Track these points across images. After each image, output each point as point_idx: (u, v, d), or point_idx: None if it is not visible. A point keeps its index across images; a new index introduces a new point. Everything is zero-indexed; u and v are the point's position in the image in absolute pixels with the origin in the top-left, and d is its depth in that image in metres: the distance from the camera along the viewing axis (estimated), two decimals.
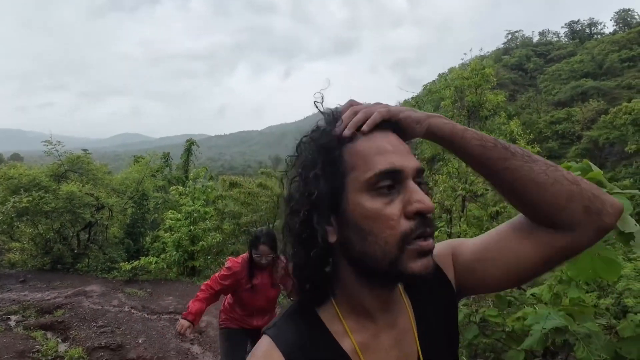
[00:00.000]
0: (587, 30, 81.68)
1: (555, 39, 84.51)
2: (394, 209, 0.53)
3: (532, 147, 9.12)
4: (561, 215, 0.59)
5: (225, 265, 2.62)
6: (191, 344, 4.73)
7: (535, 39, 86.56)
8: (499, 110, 9.49)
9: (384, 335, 0.61)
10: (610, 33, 72.61)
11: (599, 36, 75.61)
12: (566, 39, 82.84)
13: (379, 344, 0.60)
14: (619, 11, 75.56)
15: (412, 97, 9.69)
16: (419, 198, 0.53)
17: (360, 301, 0.60)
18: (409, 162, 0.55)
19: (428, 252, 0.55)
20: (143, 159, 13.49)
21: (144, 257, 8.34)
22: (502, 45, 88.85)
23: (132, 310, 5.92)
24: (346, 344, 0.59)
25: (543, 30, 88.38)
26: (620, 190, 1.46)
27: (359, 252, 0.55)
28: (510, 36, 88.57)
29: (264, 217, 9.49)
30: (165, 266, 8.93)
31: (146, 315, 5.58)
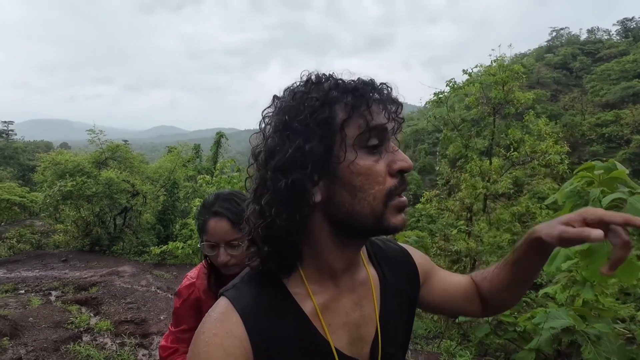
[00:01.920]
0: None
1: (606, 37, 78.95)
2: (381, 166, 0.56)
3: (562, 147, 8.63)
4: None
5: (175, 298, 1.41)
6: None
7: (583, 36, 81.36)
8: (529, 109, 9.06)
9: (345, 298, 0.63)
10: None
11: None
12: (618, 37, 77.19)
13: (340, 306, 0.63)
14: None
15: (435, 93, 9.45)
16: (402, 157, 0.57)
17: (329, 263, 0.61)
18: (391, 124, 0.57)
19: (405, 207, 0.59)
20: (175, 149, 14.14)
21: (172, 243, 8.78)
22: (546, 43, 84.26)
23: (158, 291, 6.30)
24: (307, 306, 0.60)
25: (592, 28, 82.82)
26: None
27: (347, 210, 0.56)
28: (554, 33, 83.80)
29: None
30: (191, 252, 9.34)
31: (170, 296, 5.92)
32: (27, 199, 14.59)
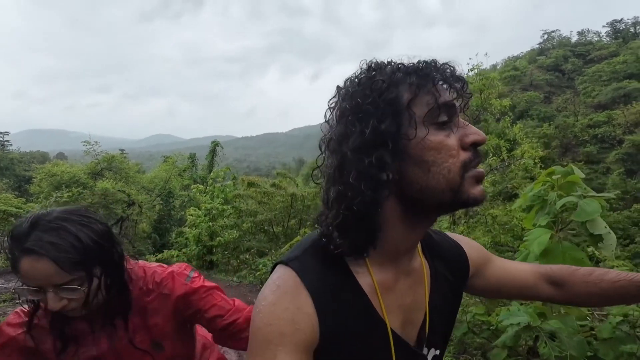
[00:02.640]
0: (632, 29, 76.74)
1: (596, 39, 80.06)
2: (453, 140, 0.57)
3: (536, 151, 8.90)
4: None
5: None
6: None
7: (574, 39, 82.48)
8: (504, 115, 9.38)
9: (401, 282, 0.65)
10: None
11: None
12: (608, 39, 78.29)
13: (397, 288, 0.64)
14: None
15: None
16: (475, 130, 0.58)
17: (394, 244, 0.61)
18: (458, 101, 0.59)
19: (483, 178, 0.60)
20: (171, 159, 14.32)
21: (167, 251, 8.94)
22: (538, 46, 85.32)
23: None
24: (367, 285, 0.60)
25: (582, 30, 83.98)
26: (594, 194, 1.61)
27: (421, 187, 0.57)
28: (546, 36, 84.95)
29: (279, 215, 9.88)
30: (186, 259, 9.50)
31: None
32: (24, 210, 14.68)
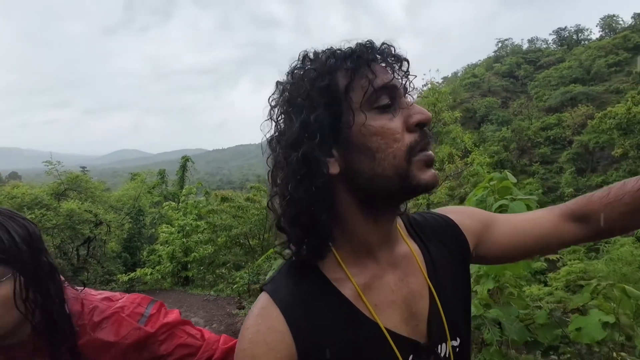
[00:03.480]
0: (574, 36, 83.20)
1: (544, 46, 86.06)
2: (397, 123, 0.54)
3: (484, 158, 9.78)
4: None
5: None
6: None
7: (525, 46, 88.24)
8: (454, 126, 10.27)
9: (389, 275, 0.60)
10: (596, 39, 74.02)
11: (586, 42, 76.92)
12: (554, 46, 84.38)
13: (383, 283, 0.59)
14: (604, 17, 77.12)
15: None
16: (418, 110, 0.55)
17: (364, 238, 0.58)
18: (399, 81, 0.56)
19: (432, 161, 0.56)
20: (139, 176, 14.06)
21: (140, 269, 8.85)
22: (493, 54, 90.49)
23: None
24: (347, 289, 0.57)
25: (532, 38, 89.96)
26: (522, 197, 1.86)
27: (368, 175, 0.54)
28: (500, 44, 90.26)
29: (254, 228, 10.03)
30: (160, 277, 9.43)
31: None
32: None
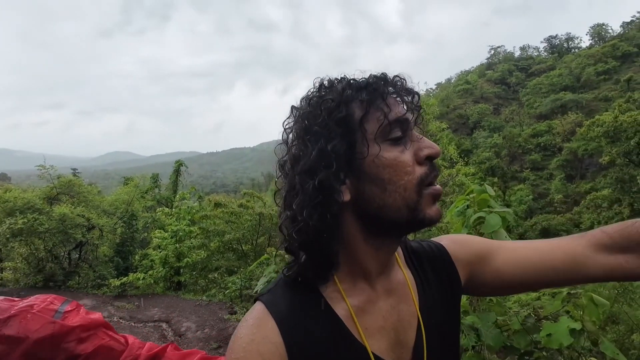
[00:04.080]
0: (565, 44, 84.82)
1: (536, 54, 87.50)
2: (408, 156, 0.56)
3: (468, 169, 10.07)
4: None
5: None
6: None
7: (517, 53, 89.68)
8: (441, 137, 10.55)
9: (382, 301, 0.62)
10: (586, 47, 75.52)
11: (576, 50, 78.48)
12: (546, 54, 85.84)
13: (376, 309, 0.61)
14: (594, 26, 78.71)
15: None
16: (428, 144, 0.57)
17: (363, 264, 0.60)
18: (411, 114, 0.58)
19: (439, 195, 0.58)
20: (132, 180, 14.04)
21: (132, 274, 8.86)
22: (486, 61, 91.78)
23: (120, 320, 6.50)
24: (341, 309, 0.58)
25: (524, 46, 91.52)
26: (498, 209, 1.93)
27: (378, 205, 0.56)
28: (492, 51, 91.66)
29: (247, 234, 10.09)
30: (152, 281, 9.44)
31: (133, 324, 6.15)
32: None
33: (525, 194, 33.67)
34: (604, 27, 77.59)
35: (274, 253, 3.18)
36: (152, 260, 10.13)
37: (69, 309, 0.86)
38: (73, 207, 10.93)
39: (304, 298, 0.59)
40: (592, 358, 2.13)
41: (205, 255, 9.99)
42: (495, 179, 36.20)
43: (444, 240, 0.73)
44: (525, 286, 0.69)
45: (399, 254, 0.68)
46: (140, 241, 12.48)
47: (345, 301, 0.59)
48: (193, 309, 7.42)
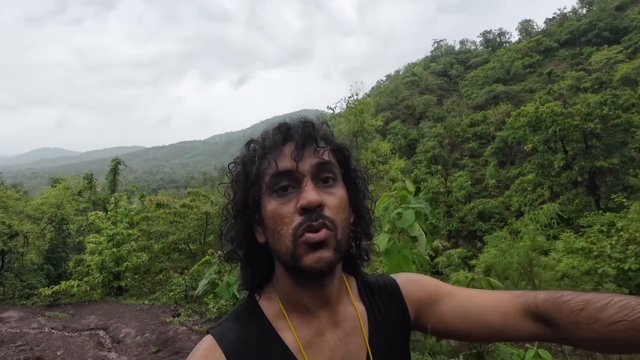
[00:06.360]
0: (498, 39, 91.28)
1: (473, 48, 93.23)
2: (290, 207, 0.58)
3: (399, 163, 10.88)
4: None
5: None
6: (108, 351, 5.16)
7: (457, 47, 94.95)
8: (377, 133, 11.21)
9: (329, 334, 0.63)
10: (515, 42, 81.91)
11: (507, 45, 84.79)
12: (482, 47, 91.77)
13: (324, 342, 0.63)
14: (522, 22, 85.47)
15: (332, 117, 11.25)
16: (304, 195, 0.58)
17: (298, 298, 0.63)
18: (303, 163, 0.59)
19: (317, 244, 0.57)
20: (62, 181, 12.96)
21: (65, 281, 8.31)
22: (430, 54, 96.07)
23: (53, 330, 6.13)
24: (289, 340, 0.61)
25: (463, 40, 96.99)
26: (414, 205, 2.04)
27: (274, 251, 0.61)
28: (436, 45, 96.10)
29: (194, 234, 9.85)
30: (89, 288, 8.92)
31: (67, 334, 5.83)
32: None
33: (465, 180, 36.04)
34: (530, 23, 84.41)
35: (215, 254, 3.22)
36: (88, 266, 9.54)
37: None
38: None
39: (253, 330, 0.61)
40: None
41: (148, 257, 9.62)
42: (439, 167, 38.48)
43: (400, 277, 0.76)
44: (464, 336, 0.71)
45: (352, 287, 0.71)
46: (74, 246, 11.64)
47: (292, 332, 0.61)
48: (134, 314, 7.18)
